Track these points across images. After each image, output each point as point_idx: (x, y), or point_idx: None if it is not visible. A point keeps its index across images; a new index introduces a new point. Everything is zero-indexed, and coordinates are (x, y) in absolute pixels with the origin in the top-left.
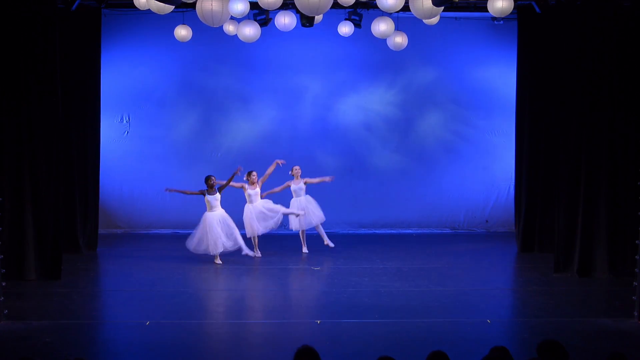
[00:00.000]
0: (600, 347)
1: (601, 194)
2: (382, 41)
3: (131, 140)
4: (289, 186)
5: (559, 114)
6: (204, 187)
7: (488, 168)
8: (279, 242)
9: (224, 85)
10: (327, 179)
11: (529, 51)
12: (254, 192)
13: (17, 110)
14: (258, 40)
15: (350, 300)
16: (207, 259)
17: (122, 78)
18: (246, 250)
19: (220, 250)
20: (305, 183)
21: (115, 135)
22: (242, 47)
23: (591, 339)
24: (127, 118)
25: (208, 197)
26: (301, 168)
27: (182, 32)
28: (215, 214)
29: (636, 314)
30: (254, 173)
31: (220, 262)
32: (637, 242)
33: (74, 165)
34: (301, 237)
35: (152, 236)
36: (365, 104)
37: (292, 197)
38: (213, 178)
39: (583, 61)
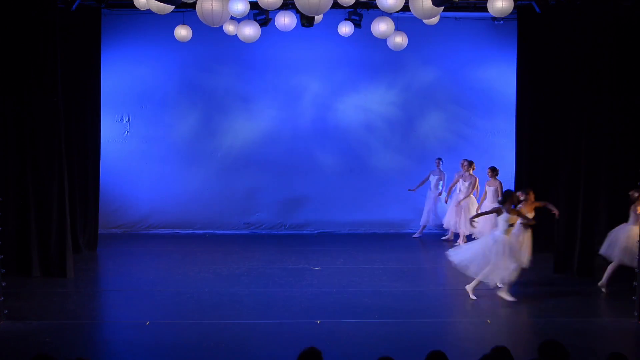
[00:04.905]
0: (600, 347)
1: (601, 194)
2: (382, 41)
3: (131, 140)
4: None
5: (558, 114)
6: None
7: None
8: (277, 240)
9: (224, 85)
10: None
11: (529, 51)
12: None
13: (19, 109)
14: (258, 40)
15: (350, 300)
16: (206, 259)
17: (122, 78)
18: (506, 297)
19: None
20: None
21: (116, 135)
22: (242, 47)
23: (591, 339)
24: (127, 118)
25: (508, 216)
26: (301, 167)
27: (182, 32)
28: (508, 238)
29: (636, 314)
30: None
31: (474, 297)
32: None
33: (74, 165)
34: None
35: (152, 236)
36: (365, 104)
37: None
38: (517, 195)
39: (583, 61)
